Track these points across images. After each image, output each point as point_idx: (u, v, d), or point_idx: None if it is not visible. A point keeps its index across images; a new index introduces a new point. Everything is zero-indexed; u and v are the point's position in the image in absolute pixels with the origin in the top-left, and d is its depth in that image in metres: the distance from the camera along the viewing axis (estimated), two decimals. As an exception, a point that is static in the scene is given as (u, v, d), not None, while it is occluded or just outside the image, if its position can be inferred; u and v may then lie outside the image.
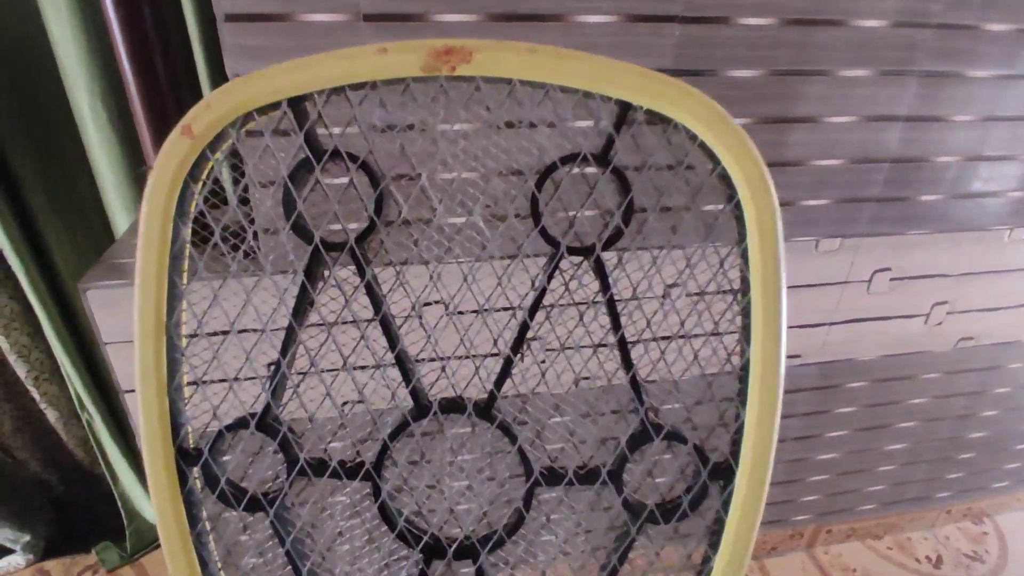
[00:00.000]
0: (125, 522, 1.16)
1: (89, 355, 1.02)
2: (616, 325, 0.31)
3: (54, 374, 1.08)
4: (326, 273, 0.32)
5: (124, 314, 0.71)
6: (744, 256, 0.30)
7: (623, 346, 0.32)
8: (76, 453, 1.17)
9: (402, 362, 0.32)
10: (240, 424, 0.33)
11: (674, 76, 0.69)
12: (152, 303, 0.30)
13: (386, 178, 0.30)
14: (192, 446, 0.32)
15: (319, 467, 0.32)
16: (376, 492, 0.29)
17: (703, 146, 0.29)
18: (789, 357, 0.94)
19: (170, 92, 0.71)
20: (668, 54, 0.68)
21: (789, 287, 0.87)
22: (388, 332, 0.32)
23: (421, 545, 0.28)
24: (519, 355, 0.32)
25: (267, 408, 0.33)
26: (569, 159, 0.27)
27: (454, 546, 0.30)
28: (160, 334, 0.31)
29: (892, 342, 0.99)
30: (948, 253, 0.92)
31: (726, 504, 0.31)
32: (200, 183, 0.29)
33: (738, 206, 0.31)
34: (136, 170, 0.74)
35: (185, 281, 0.31)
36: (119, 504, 1.14)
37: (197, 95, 0.84)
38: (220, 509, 0.33)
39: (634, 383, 0.32)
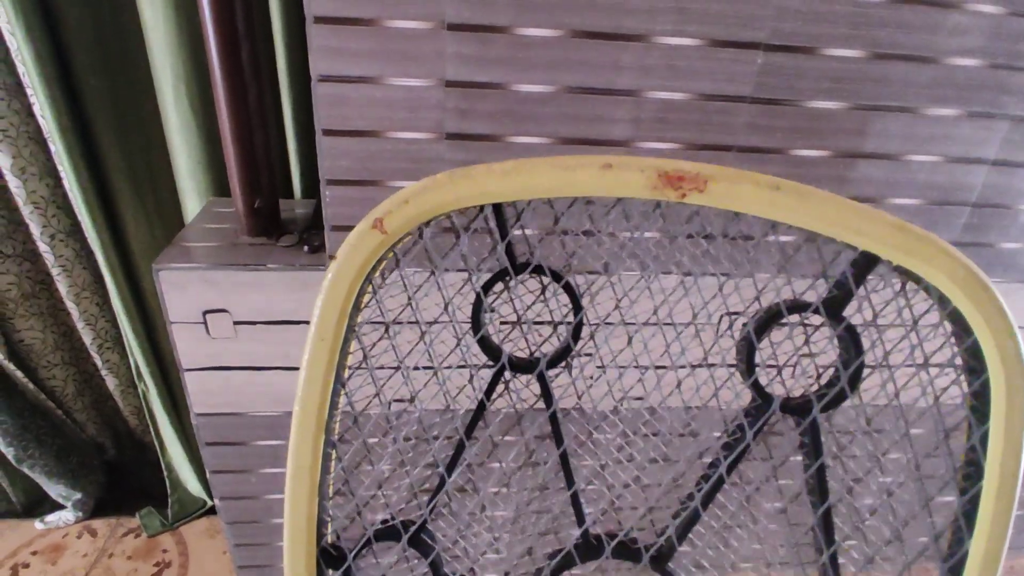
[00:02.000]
0: (169, 491, 1.20)
1: (151, 330, 1.07)
2: (823, 497, 0.27)
3: (116, 344, 1.13)
4: (504, 389, 0.29)
5: (191, 295, 0.74)
6: (982, 442, 0.25)
7: (827, 523, 0.28)
8: (130, 421, 1.22)
9: (577, 502, 0.28)
10: (390, 534, 0.30)
11: (753, 104, 0.68)
12: (317, 397, 0.27)
13: (586, 305, 0.25)
14: (331, 543, 0.29)
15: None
16: None
17: (954, 313, 0.25)
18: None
19: (252, 83, 0.73)
20: (749, 81, 0.67)
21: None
22: (566, 468, 0.28)
23: None
24: (707, 507, 0.28)
25: (423, 523, 0.30)
26: (797, 307, 0.23)
27: None
28: (320, 431, 0.28)
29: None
30: (1024, 304, 0.88)
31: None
32: (381, 278, 0.25)
33: (985, 385, 0.26)
34: (253, 203, 0.75)
35: (348, 376, 0.28)
36: (165, 473, 1.19)
37: (276, 90, 0.87)
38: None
39: (833, 561, 0.27)
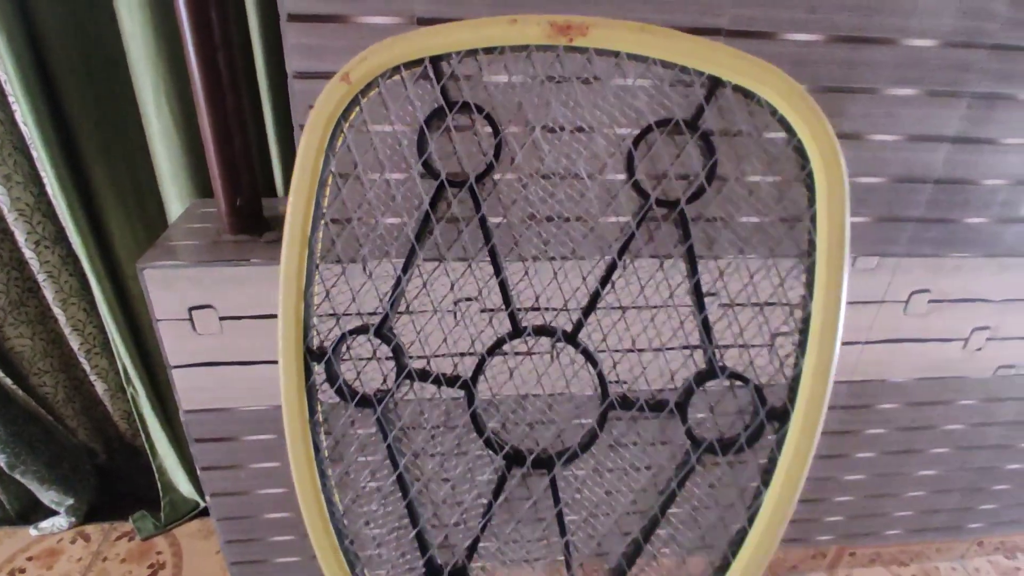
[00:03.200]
0: (161, 493, 1.21)
1: (137, 333, 1.08)
2: (693, 272, 0.33)
3: (104, 348, 1.14)
4: (447, 207, 0.35)
5: (176, 292, 0.75)
6: (812, 220, 0.31)
7: (697, 291, 0.34)
8: (120, 425, 1.23)
9: (504, 288, 0.34)
10: (360, 331, 0.35)
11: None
12: (300, 220, 0.33)
13: (505, 128, 0.32)
14: (317, 347, 0.35)
15: (422, 375, 0.34)
16: (470, 400, 0.31)
17: (782, 120, 0.31)
18: (1005, 367, 0.93)
19: (231, 87, 0.75)
20: (712, 67, 0.69)
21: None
22: (495, 262, 0.34)
23: (503, 453, 0.31)
24: (605, 290, 0.34)
25: (385, 318, 0.35)
26: (663, 123, 0.30)
27: (532, 456, 0.32)
28: (304, 246, 0.33)
29: (928, 365, 0.98)
30: (992, 278, 0.90)
31: (780, 443, 0.32)
32: (349, 123, 0.32)
33: (810, 176, 0.33)
34: (234, 202, 0.77)
35: (327, 205, 0.34)
36: (156, 476, 1.20)
37: (255, 93, 0.88)
38: (335, 403, 0.37)
39: (705, 324, 0.33)
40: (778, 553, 1.14)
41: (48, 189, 0.96)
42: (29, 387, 1.13)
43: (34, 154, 0.94)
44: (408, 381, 0.34)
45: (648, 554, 0.33)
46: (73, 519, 1.19)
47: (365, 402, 0.34)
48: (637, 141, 0.30)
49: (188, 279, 0.75)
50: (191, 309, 0.77)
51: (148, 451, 1.17)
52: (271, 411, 0.85)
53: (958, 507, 1.18)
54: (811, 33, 0.70)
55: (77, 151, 0.92)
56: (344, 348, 0.36)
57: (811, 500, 1.09)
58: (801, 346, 0.29)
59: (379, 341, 0.36)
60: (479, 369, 0.33)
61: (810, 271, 0.31)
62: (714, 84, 0.27)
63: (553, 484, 0.33)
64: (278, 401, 0.84)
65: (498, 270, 0.34)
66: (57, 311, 1.07)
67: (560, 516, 0.32)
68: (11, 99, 0.89)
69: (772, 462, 0.33)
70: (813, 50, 0.71)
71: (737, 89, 0.25)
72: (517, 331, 0.33)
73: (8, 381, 1.08)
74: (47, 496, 1.18)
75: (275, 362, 0.82)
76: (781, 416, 0.29)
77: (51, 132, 0.87)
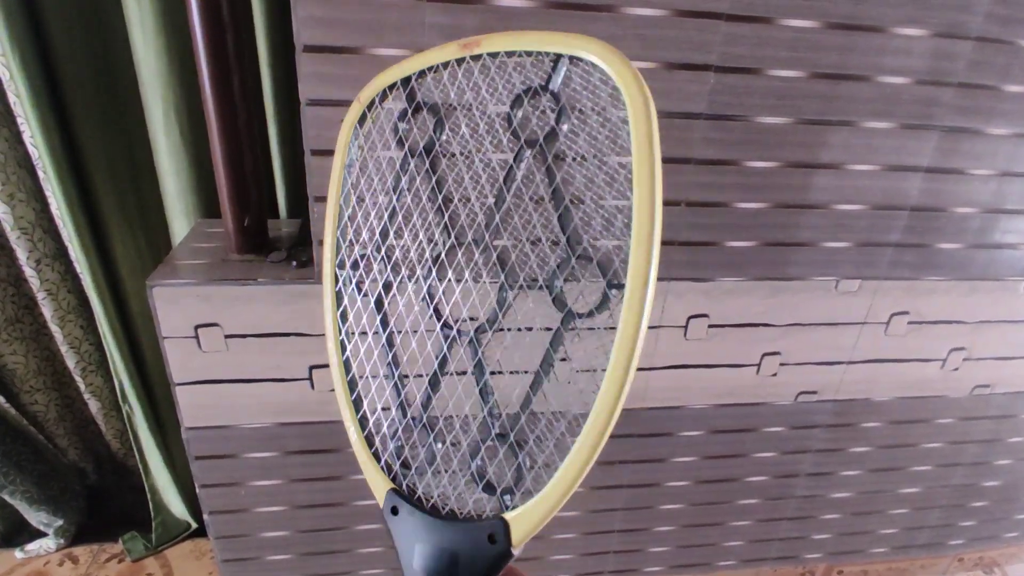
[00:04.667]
0: (152, 514, 1.20)
1: (136, 351, 1.08)
2: (552, 183, 0.45)
3: (100, 366, 1.14)
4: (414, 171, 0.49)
5: (183, 310, 0.77)
6: (628, 135, 0.42)
7: (556, 195, 0.45)
8: (112, 444, 1.23)
9: (445, 206, 0.48)
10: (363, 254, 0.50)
11: (707, 120, 0.75)
12: (335, 197, 0.48)
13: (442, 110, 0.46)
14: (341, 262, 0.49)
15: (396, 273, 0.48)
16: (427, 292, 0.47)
17: (601, 71, 0.42)
18: (805, 392, 0.98)
19: (242, 109, 0.77)
20: (703, 100, 0.74)
21: (810, 324, 0.90)
22: (439, 183, 0.49)
23: (443, 321, 0.46)
24: (500, 209, 0.46)
25: (384, 236, 0.50)
26: (527, 92, 0.43)
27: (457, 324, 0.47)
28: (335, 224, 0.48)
29: (908, 385, 1.02)
30: (966, 300, 0.95)
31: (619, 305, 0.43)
32: (364, 126, 0.48)
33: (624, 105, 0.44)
34: (242, 222, 0.82)
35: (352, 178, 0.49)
36: (148, 496, 1.19)
37: (262, 114, 0.91)
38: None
39: (561, 220, 0.45)
40: (768, 572, 1.16)
41: (52, 206, 0.98)
42: (20, 405, 1.12)
43: (39, 172, 0.95)
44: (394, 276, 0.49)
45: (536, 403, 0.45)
46: (62, 540, 1.18)
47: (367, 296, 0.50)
48: (513, 104, 0.44)
49: (195, 297, 0.77)
50: (197, 327, 0.78)
51: (141, 471, 1.16)
52: (272, 428, 0.86)
53: (940, 523, 1.21)
54: (794, 70, 0.74)
55: (84, 168, 0.93)
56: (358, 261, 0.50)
57: (799, 518, 1.11)
58: (627, 227, 0.40)
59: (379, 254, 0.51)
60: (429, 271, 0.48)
61: (629, 171, 0.43)
62: (556, 57, 0.41)
63: (472, 344, 0.46)
64: (280, 418, 0.86)
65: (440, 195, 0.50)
66: (54, 328, 1.07)
67: (479, 364, 0.46)
68: (19, 119, 0.91)
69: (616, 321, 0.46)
70: (795, 85, 0.75)
71: (572, 59, 0.38)
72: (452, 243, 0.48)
73: (0, 399, 1.07)
74: (36, 517, 1.16)
75: (279, 380, 0.84)
76: (619, 287, 0.40)
77: (59, 150, 0.89)
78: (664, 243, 0.82)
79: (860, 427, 1.05)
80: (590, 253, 0.50)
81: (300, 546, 0.97)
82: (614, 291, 0.44)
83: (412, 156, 0.48)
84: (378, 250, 0.49)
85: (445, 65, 0.47)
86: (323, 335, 0.50)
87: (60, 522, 1.18)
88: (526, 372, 0.48)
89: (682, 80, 0.73)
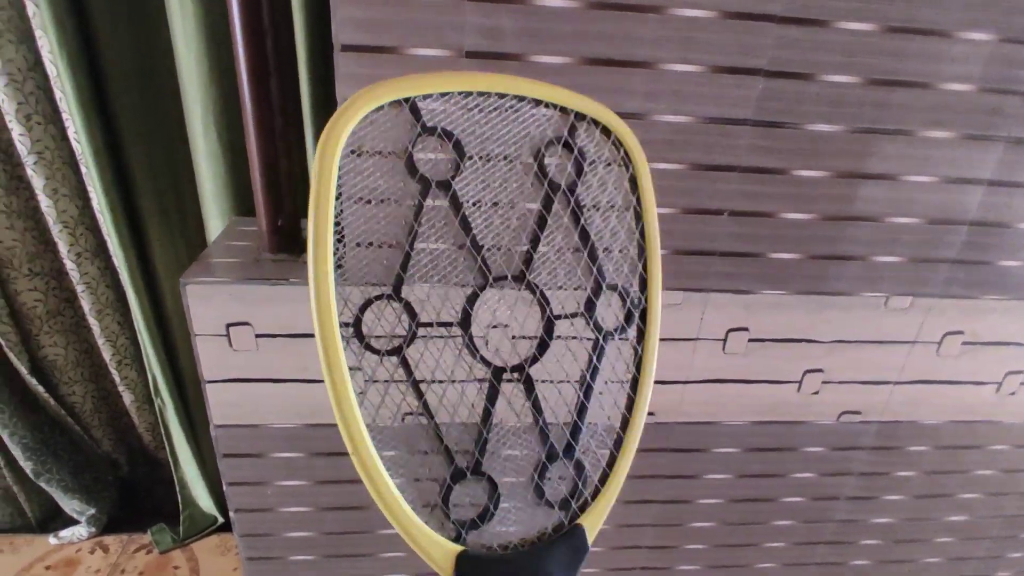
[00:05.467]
0: (181, 507, 1.21)
1: (170, 347, 1.09)
2: (577, 223, 0.51)
3: (135, 360, 1.15)
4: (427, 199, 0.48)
5: (216, 308, 0.77)
6: (633, 181, 0.51)
7: (584, 235, 0.51)
8: (144, 437, 1.24)
9: (477, 248, 0.48)
10: (380, 296, 0.47)
11: (755, 127, 0.72)
12: (327, 207, 0.42)
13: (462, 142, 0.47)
14: (344, 320, 0.45)
15: (428, 325, 0.46)
16: (464, 334, 0.46)
17: (604, 128, 0.50)
18: (848, 412, 0.93)
19: (279, 111, 0.77)
20: (750, 105, 0.71)
21: (856, 341, 0.86)
22: (466, 226, 0.48)
23: (491, 368, 0.47)
24: (543, 236, 0.49)
25: (399, 283, 0.47)
26: (552, 143, 0.47)
27: (509, 365, 0.48)
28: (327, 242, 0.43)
29: (960, 408, 0.96)
30: (1025, 322, 0.90)
31: (643, 317, 0.51)
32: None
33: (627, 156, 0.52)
34: (276, 222, 0.82)
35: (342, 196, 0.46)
36: (178, 489, 1.20)
37: (299, 118, 0.91)
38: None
39: (591, 255, 0.51)
40: (802, 595, 1.12)
41: (94, 202, 0.99)
42: (59, 396, 1.15)
43: (83, 169, 0.97)
44: (419, 328, 0.46)
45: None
46: (93, 529, 1.20)
47: (390, 352, 0.45)
48: (536, 153, 0.48)
49: (228, 296, 0.76)
50: (229, 325, 0.78)
51: (171, 464, 1.17)
52: (300, 429, 0.86)
53: (988, 555, 1.15)
54: (848, 75, 0.71)
55: (125, 167, 0.95)
56: (368, 311, 0.46)
57: (837, 543, 1.07)
58: (640, 255, 0.49)
59: (396, 301, 0.47)
60: (467, 314, 0.47)
61: (637, 218, 0.51)
62: (565, 112, 0.48)
63: (528, 380, 0.47)
64: (307, 420, 0.85)
65: (470, 233, 0.50)
66: (92, 322, 1.09)
67: (536, 400, 0.46)
68: (65, 115, 0.93)
69: (642, 332, 0.51)
70: (849, 92, 0.72)
71: (577, 115, 0.46)
72: (485, 281, 0.48)
73: (40, 389, 1.10)
74: (70, 505, 1.19)
75: (307, 381, 0.83)
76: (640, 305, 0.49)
77: (102, 148, 0.90)
78: (704, 253, 0.79)
79: (906, 451, 0.99)
80: (615, 282, 0.52)
81: (324, 548, 0.97)
82: (639, 308, 0.50)
83: (430, 189, 0.48)
84: (396, 297, 0.48)
85: (448, 95, 0.47)
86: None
87: (92, 511, 1.20)
88: (570, 383, 0.50)
89: (729, 84, 0.70)
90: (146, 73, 0.91)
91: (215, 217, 0.97)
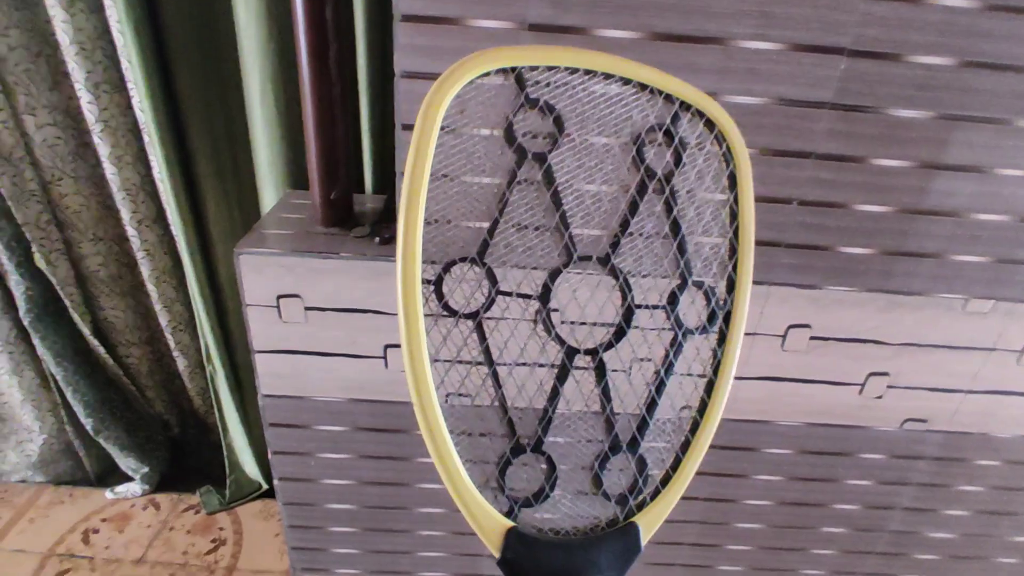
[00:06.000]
0: (227, 471, 1.25)
1: (222, 314, 1.12)
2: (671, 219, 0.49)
3: (188, 326, 1.19)
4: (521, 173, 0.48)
5: (267, 279, 0.77)
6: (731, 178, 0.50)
7: (675, 226, 0.49)
8: (195, 401, 1.28)
9: (565, 224, 0.48)
10: (463, 258, 0.47)
11: (834, 110, 0.67)
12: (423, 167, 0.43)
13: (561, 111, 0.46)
14: (427, 277, 0.45)
15: (507, 294, 0.47)
16: (542, 308, 0.45)
17: (708, 121, 0.49)
18: (913, 420, 0.88)
19: (337, 83, 0.76)
20: (831, 87, 0.66)
21: (928, 345, 0.81)
22: (556, 201, 0.48)
23: (565, 347, 0.46)
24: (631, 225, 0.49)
25: (484, 247, 0.47)
26: (653, 129, 0.47)
27: (583, 347, 0.47)
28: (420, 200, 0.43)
29: (1037, 422, 0.90)
30: (1120, 333, 0.82)
31: (727, 319, 0.50)
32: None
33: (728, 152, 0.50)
34: (329, 195, 0.81)
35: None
36: (225, 454, 1.24)
37: (355, 91, 0.90)
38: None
39: (680, 248, 0.49)
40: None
41: (155, 170, 1.02)
42: (117, 357, 1.19)
43: (145, 138, 0.99)
44: (499, 296, 0.46)
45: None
46: (146, 487, 1.25)
47: (467, 316, 0.45)
48: (636, 138, 0.47)
49: (279, 267, 0.77)
50: (279, 297, 0.78)
51: (220, 429, 1.21)
52: (344, 404, 0.86)
53: (1055, 580, 1.08)
54: (939, 56, 0.65)
55: (185, 136, 0.96)
56: (450, 272, 0.46)
57: (890, 554, 1.02)
58: (731, 254, 0.49)
59: (479, 266, 0.47)
60: (547, 289, 0.47)
61: (732, 216, 0.50)
62: (670, 100, 0.47)
63: (600, 366, 0.46)
64: (352, 394, 0.86)
65: (558, 207, 0.49)
66: (151, 287, 1.12)
67: (606, 388, 0.46)
68: (130, 85, 0.95)
69: (723, 334, 0.50)
70: (939, 75, 0.66)
71: (673, 100, 0.45)
72: (571, 259, 0.47)
73: (101, 349, 1.14)
74: (125, 462, 1.24)
75: (354, 356, 0.83)
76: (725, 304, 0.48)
77: (164, 117, 0.92)
78: (768, 244, 0.75)
79: (972, 464, 0.94)
80: (702, 279, 0.50)
81: (364, 521, 0.98)
82: (724, 306, 0.48)
83: (526, 159, 0.47)
84: (479, 262, 0.48)
85: (555, 69, 0.46)
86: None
87: (146, 469, 1.25)
88: (642, 376, 0.48)
89: (809, 64, 0.65)
90: (207, 43, 0.91)
91: (269, 187, 0.98)
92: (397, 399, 0.86)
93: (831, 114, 0.67)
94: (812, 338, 0.81)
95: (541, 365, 0.47)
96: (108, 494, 1.25)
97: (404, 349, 0.42)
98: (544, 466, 0.47)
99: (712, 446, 0.90)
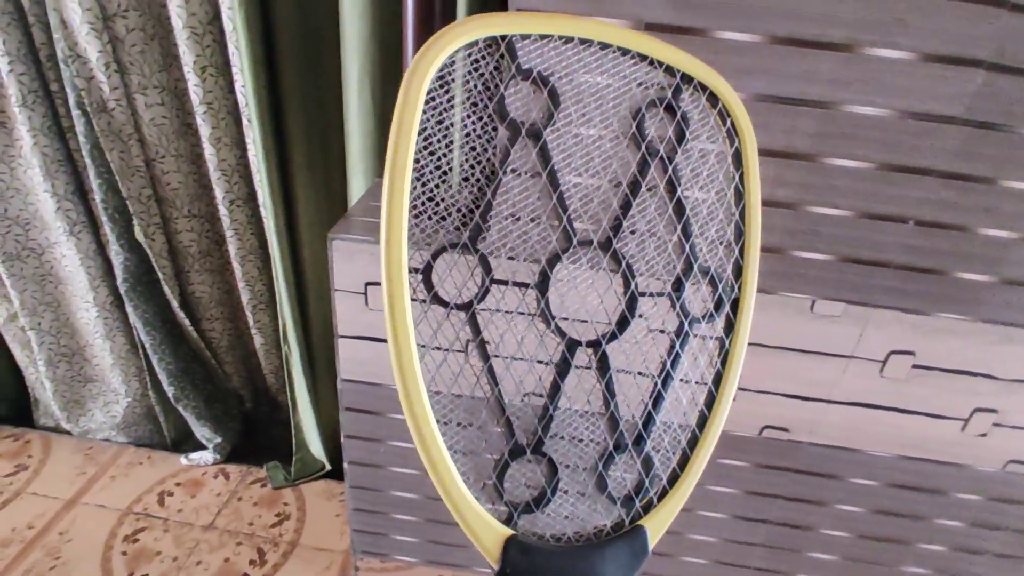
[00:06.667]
0: (294, 449, 1.28)
1: (302, 296, 1.15)
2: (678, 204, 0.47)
3: (268, 305, 1.22)
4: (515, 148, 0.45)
5: (356, 266, 0.78)
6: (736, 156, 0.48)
7: (679, 209, 0.47)
8: (268, 378, 1.33)
9: (563, 207, 0.45)
10: (454, 245, 0.45)
11: (964, 127, 0.63)
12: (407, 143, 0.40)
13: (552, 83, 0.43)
14: (414, 267, 0.43)
15: (503, 283, 0.44)
16: (540, 298, 0.42)
17: (711, 96, 0.47)
18: (1017, 462, 0.82)
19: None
20: (963, 103, 0.62)
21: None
22: (553, 181, 0.45)
23: (566, 339, 0.43)
24: (628, 214, 0.46)
25: (476, 232, 0.45)
26: (653, 104, 0.44)
27: (586, 339, 0.45)
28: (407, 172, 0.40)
29: None
30: None
31: (735, 308, 0.48)
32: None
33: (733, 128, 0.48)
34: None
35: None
36: (293, 433, 1.27)
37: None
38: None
39: (685, 232, 0.48)
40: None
41: (250, 153, 1.05)
42: (201, 330, 1.24)
43: (244, 121, 1.02)
44: (493, 285, 0.43)
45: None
46: (218, 456, 1.30)
47: (458, 307, 0.42)
48: (636, 112, 0.45)
49: (369, 255, 0.78)
50: (367, 284, 0.80)
51: (290, 408, 1.24)
52: (420, 393, 0.87)
53: None
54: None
55: (282, 122, 0.99)
56: (440, 259, 0.43)
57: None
58: (738, 239, 0.46)
59: (471, 254, 0.43)
60: (544, 277, 0.43)
61: (738, 197, 0.47)
62: (671, 72, 0.44)
63: (603, 358, 0.44)
64: (428, 385, 0.86)
65: (554, 190, 0.45)
66: (236, 265, 1.17)
67: (609, 383, 0.43)
68: (235, 70, 0.98)
69: (730, 321, 0.48)
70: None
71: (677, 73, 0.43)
72: (570, 245, 0.44)
73: (186, 322, 1.19)
74: (200, 431, 1.29)
75: (433, 348, 0.84)
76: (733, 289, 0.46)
77: (264, 102, 0.95)
78: (876, 264, 0.71)
79: (1064, 511, 0.87)
80: (708, 265, 0.47)
81: (426, 511, 0.99)
82: (730, 292, 0.45)
83: (519, 136, 0.44)
84: (471, 248, 0.44)
85: (549, 38, 0.43)
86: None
87: (219, 439, 1.30)
88: (647, 375, 0.46)
89: (939, 75, 0.61)
90: (311, 32, 0.94)
91: (358, 175, 1.00)
92: (471, 393, 0.86)
93: (959, 131, 0.63)
94: (915, 366, 0.76)
95: (540, 361, 0.45)
96: (183, 460, 1.31)
97: (389, 340, 0.39)
98: (545, 468, 0.45)
99: (790, 469, 0.87)
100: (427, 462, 0.39)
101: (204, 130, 1.03)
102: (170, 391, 1.22)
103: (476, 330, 0.43)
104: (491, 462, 0.43)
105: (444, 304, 0.42)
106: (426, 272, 0.42)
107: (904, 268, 0.71)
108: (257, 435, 1.38)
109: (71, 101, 0.99)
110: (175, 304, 1.17)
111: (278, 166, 1.01)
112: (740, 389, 0.47)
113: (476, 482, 0.42)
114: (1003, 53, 0.60)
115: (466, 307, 0.43)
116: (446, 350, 0.42)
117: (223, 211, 1.11)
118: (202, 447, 1.32)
